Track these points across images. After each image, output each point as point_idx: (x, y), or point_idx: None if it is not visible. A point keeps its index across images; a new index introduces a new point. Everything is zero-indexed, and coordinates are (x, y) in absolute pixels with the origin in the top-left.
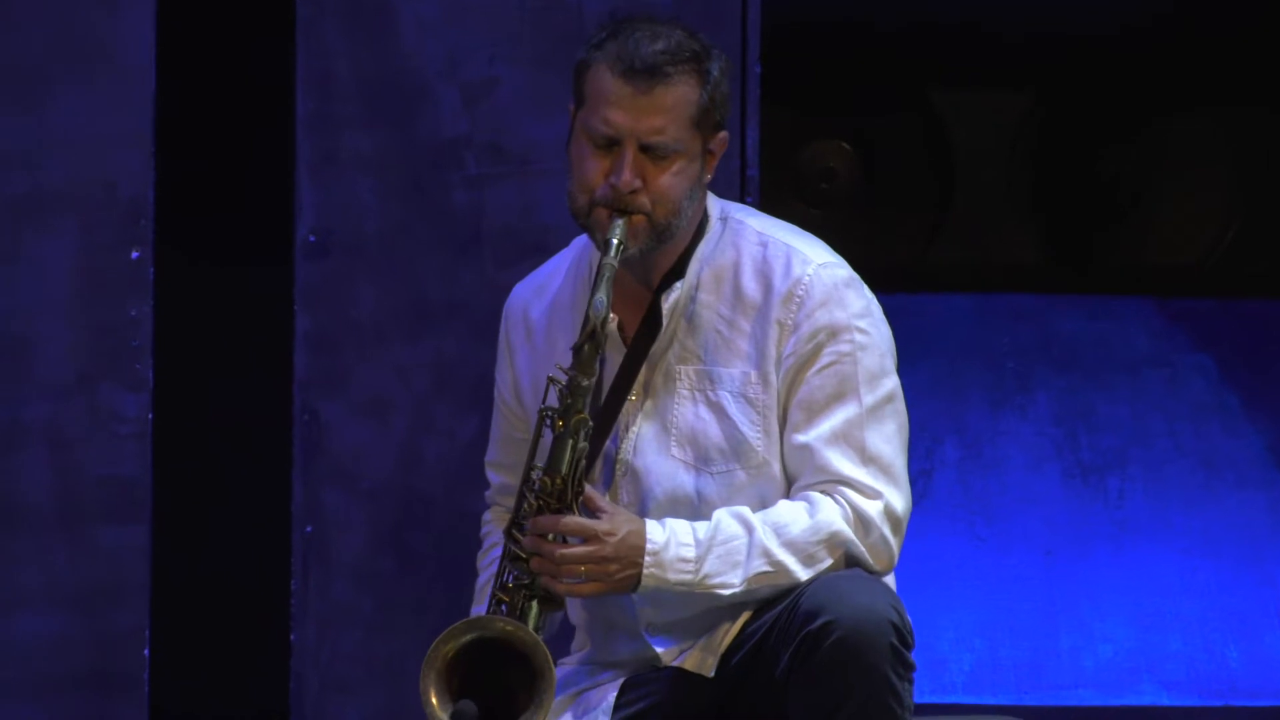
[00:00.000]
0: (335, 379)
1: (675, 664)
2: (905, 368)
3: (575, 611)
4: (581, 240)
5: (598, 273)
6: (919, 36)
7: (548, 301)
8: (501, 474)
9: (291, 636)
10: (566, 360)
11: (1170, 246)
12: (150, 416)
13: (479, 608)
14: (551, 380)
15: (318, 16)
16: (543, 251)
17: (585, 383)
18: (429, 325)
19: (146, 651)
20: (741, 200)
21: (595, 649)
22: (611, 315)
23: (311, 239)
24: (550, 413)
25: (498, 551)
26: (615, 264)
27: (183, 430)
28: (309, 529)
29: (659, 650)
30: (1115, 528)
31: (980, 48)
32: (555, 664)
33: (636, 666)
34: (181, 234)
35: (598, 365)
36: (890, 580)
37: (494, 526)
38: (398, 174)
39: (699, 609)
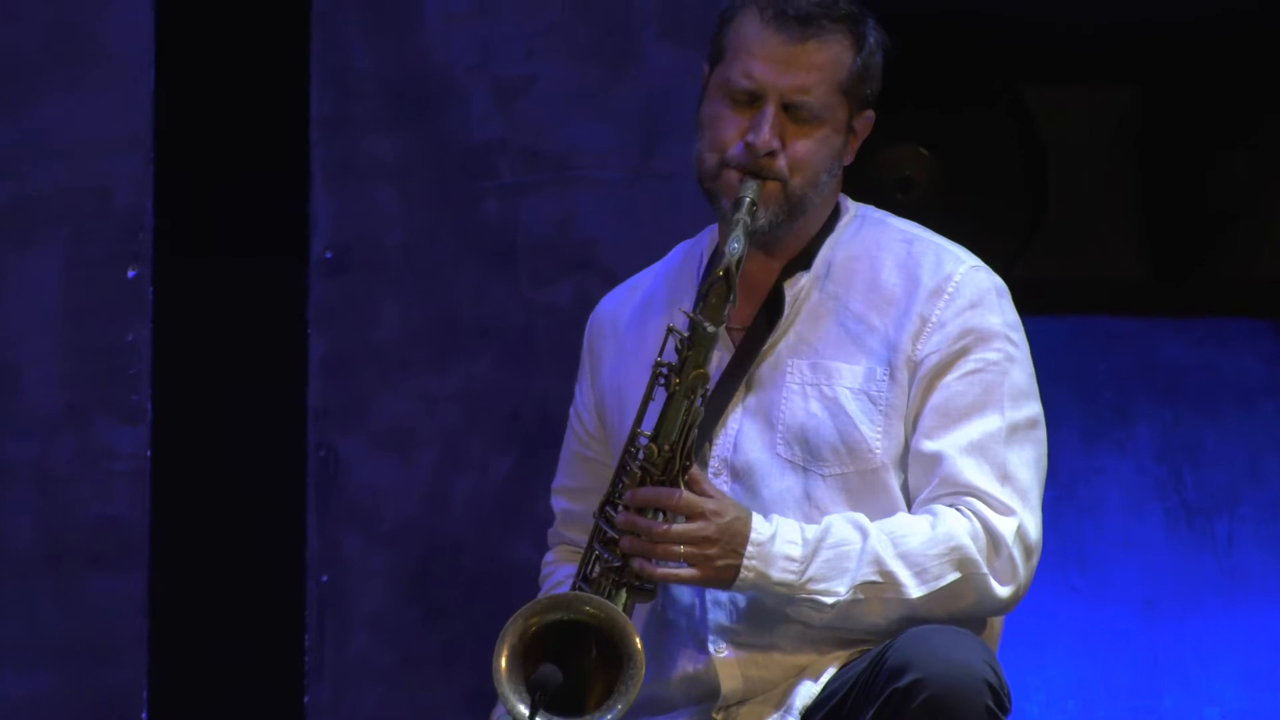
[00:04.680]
0: (354, 409)
1: None
2: None
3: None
4: (681, 247)
5: (730, 225)
6: (1006, 25)
7: (640, 302)
8: (569, 500)
9: (305, 696)
10: (650, 362)
11: None
12: (148, 452)
13: None
14: (671, 330)
15: (334, 7)
16: (584, 267)
17: (711, 329)
18: (458, 349)
19: (145, 714)
20: None
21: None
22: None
23: (327, 255)
24: (665, 367)
25: (563, 589)
26: (747, 219)
27: (184, 467)
28: (324, 577)
29: (720, 669)
30: (1224, 577)
31: (1076, 38)
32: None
33: (697, 696)
34: (183, 249)
35: (726, 314)
36: (997, 626)
37: (557, 567)
38: (423, 182)
39: (780, 629)
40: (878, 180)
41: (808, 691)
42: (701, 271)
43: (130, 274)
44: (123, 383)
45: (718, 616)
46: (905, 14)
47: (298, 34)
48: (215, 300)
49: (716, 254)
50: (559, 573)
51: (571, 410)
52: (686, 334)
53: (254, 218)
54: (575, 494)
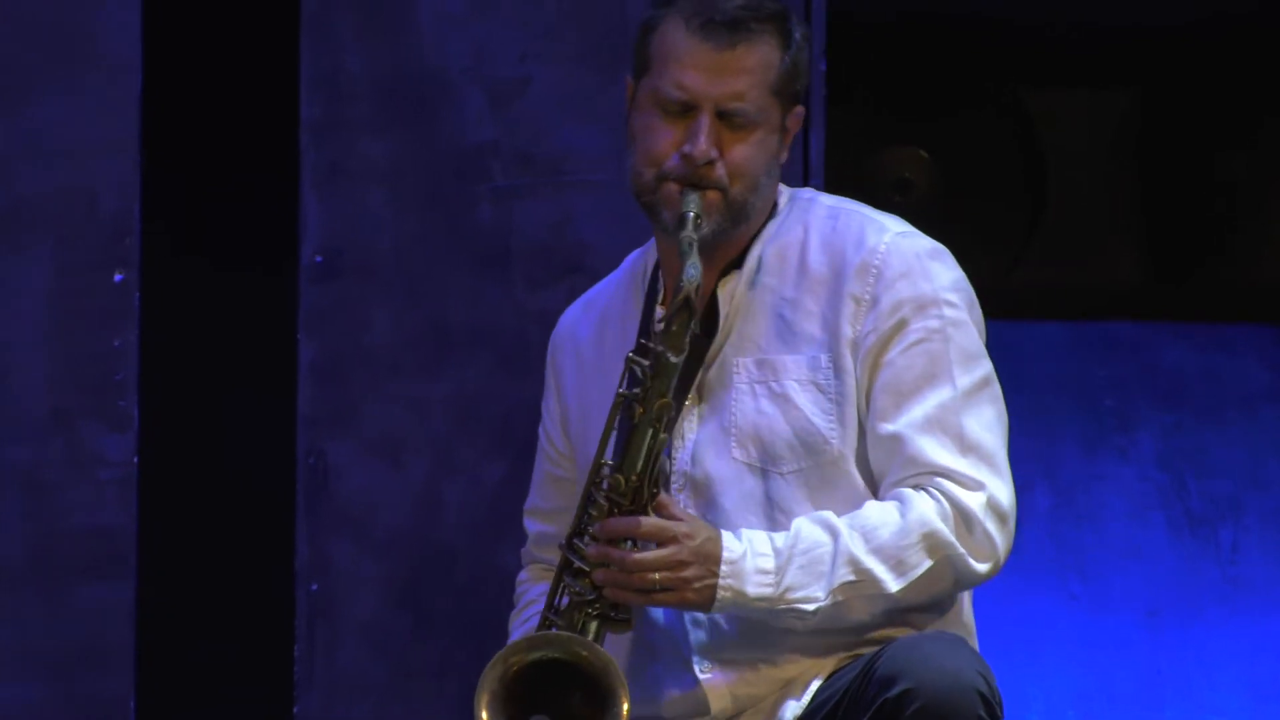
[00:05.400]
0: (344, 415)
1: None
2: None
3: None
4: (632, 256)
5: (679, 248)
6: (1005, 28)
7: (596, 315)
8: (541, 521)
9: (295, 706)
10: (615, 374)
11: None
12: (135, 459)
13: None
14: (632, 361)
15: (325, 8)
16: (578, 272)
17: (674, 359)
18: (450, 355)
19: None
20: None
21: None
22: (661, 310)
23: (318, 259)
24: (628, 398)
25: (536, 610)
26: (695, 237)
27: (172, 474)
28: (314, 585)
29: (709, 692)
30: (1228, 585)
31: (1075, 41)
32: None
33: (686, 715)
34: (170, 254)
35: (687, 342)
36: (967, 616)
37: (529, 586)
38: (415, 185)
39: (763, 641)
40: (876, 183)
41: (797, 703)
42: (646, 284)
43: (117, 278)
44: (110, 389)
45: (698, 635)
46: (904, 17)
47: (288, 36)
48: (204, 305)
49: (659, 270)
50: (531, 591)
51: (540, 430)
52: (648, 363)
53: (243, 221)
54: (548, 515)
